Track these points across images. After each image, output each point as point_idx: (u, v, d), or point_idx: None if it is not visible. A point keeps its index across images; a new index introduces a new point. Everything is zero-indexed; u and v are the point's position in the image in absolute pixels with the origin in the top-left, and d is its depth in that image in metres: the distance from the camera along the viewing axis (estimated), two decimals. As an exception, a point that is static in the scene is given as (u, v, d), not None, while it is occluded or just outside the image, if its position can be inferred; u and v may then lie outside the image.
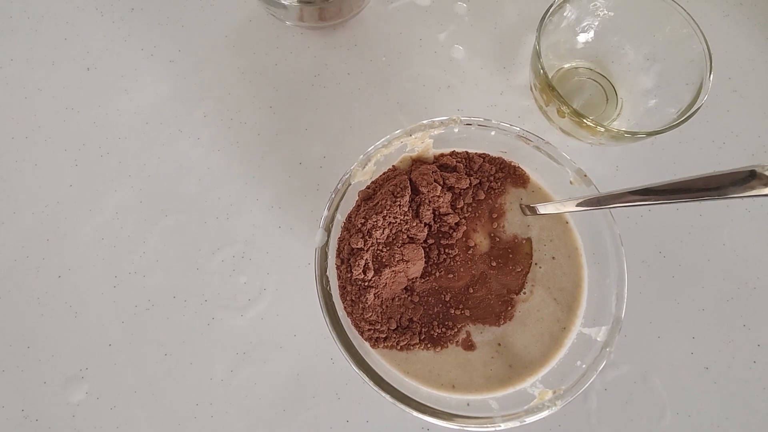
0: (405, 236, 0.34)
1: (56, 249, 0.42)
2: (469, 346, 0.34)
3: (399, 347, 0.33)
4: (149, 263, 0.42)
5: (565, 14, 0.41)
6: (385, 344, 0.33)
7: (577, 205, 0.31)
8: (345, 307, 0.33)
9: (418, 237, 0.35)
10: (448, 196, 0.36)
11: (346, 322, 0.32)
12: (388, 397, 0.30)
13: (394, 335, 0.33)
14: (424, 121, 0.34)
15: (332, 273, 0.33)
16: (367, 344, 0.33)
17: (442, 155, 0.37)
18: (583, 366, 0.31)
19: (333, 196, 0.33)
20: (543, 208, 0.35)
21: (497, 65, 0.47)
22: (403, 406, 0.29)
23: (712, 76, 0.38)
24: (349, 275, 0.33)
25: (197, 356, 0.40)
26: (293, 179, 0.44)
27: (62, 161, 0.44)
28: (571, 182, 0.35)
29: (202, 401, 0.39)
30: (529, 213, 0.36)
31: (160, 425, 0.38)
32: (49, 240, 0.42)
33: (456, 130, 0.35)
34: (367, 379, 0.30)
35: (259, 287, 0.41)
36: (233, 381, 0.39)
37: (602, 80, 0.45)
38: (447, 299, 0.34)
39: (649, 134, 0.38)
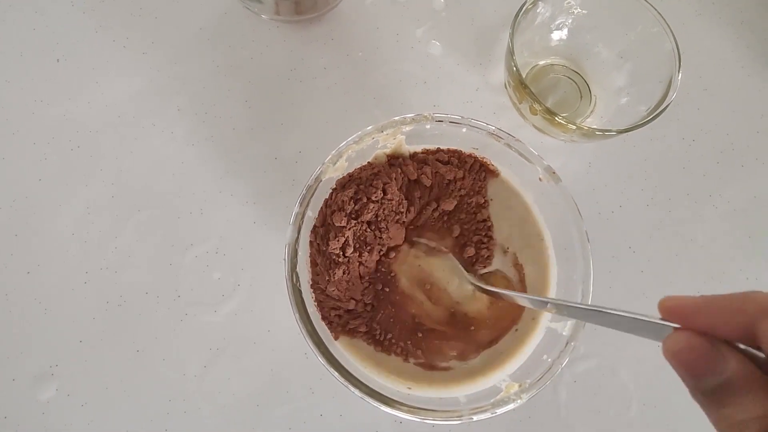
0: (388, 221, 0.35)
1: (25, 244, 0.41)
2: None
3: (371, 341, 0.34)
4: (121, 259, 0.41)
5: (538, 11, 0.41)
6: (355, 334, 0.34)
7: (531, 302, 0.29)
8: (312, 277, 0.34)
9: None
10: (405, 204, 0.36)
11: (315, 318, 0.32)
12: (356, 391, 0.30)
13: (360, 319, 0.34)
14: (396, 118, 0.35)
15: (302, 268, 0.33)
16: (335, 344, 0.34)
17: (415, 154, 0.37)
18: (549, 360, 0.32)
19: (304, 192, 0.33)
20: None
21: (474, 62, 0.47)
22: (371, 400, 0.30)
23: (681, 74, 0.39)
24: (324, 248, 0.33)
25: (170, 352, 0.40)
26: (268, 174, 0.43)
27: (31, 155, 0.43)
28: (540, 179, 0.35)
29: (175, 397, 0.39)
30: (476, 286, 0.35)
31: (132, 422, 0.38)
32: (17, 235, 0.41)
33: (428, 126, 0.35)
34: (336, 374, 0.30)
35: (233, 283, 0.41)
36: (207, 377, 0.39)
37: (576, 77, 0.46)
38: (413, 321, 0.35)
39: (620, 132, 0.38)
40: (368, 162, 0.37)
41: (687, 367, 0.18)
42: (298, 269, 0.32)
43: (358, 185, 0.35)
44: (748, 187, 0.45)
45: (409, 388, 0.33)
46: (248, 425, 0.39)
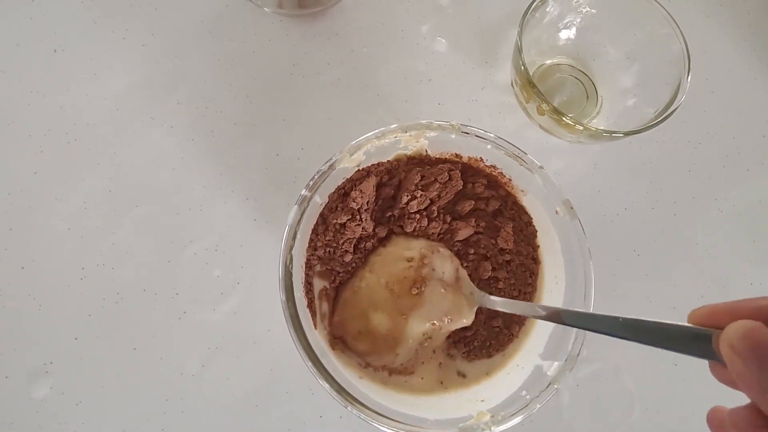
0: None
1: (20, 239, 0.40)
2: None
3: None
4: (119, 255, 0.40)
5: (547, 10, 0.41)
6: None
7: (534, 316, 0.29)
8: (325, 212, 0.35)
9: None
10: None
11: (301, 303, 0.32)
12: (323, 383, 0.30)
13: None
14: (422, 121, 0.34)
15: (297, 253, 0.32)
16: (318, 336, 0.33)
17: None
18: (528, 396, 0.31)
19: (316, 177, 0.33)
20: (502, 305, 0.32)
21: (479, 60, 0.46)
22: (335, 394, 0.30)
23: (690, 77, 0.38)
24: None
25: (168, 351, 0.39)
26: (270, 171, 0.43)
27: (27, 147, 0.42)
28: (557, 212, 0.34)
29: (173, 396, 0.38)
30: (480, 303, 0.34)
31: (128, 421, 0.38)
32: (12, 229, 0.40)
33: (453, 136, 0.34)
34: (309, 364, 0.30)
35: (232, 281, 0.40)
36: (205, 376, 0.39)
37: (583, 77, 0.45)
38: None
39: (627, 134, 0.38)
40: (388, 160, 0.37)
41: (756, 353, 0.18)
42: (293, 252, 0.32)
43: (424, 165, 0.37)
44: (753, 191, 0.45)
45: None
46: (247, 425, 0.38)
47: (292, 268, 0.32)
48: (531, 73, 0.38)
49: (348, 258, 0.35)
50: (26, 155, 0.42)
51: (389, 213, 0.36)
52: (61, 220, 0.41)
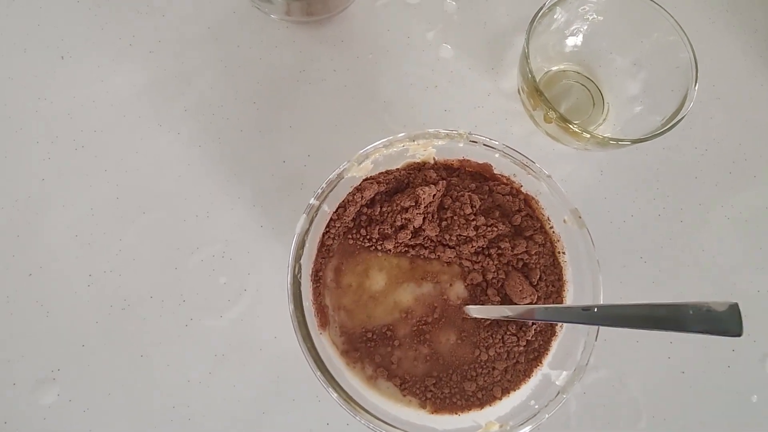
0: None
1: (27, 246, 0.40)
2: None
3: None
4: (125, 262, 0.40)
5: (554, 17, 0.41)
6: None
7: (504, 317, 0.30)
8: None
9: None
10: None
11: (309, 312, 0.32)
12: (331, 392, 0.30)
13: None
14: (430, 130, 0.34)
15: (306, 261, 0.32)
16: (327, 345, 0.33)
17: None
18: (536, 406, 0.31)
19: (324, 186, 0.33)
20: (479, 312, 0.33)
21: (485, 66, 0.46)
22: (342, 403, 0.30)
23: (697, 85, 0.38)
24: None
25: (174, 358, 0.39)
26: (276, 177, 0.43)
27: (34, 154, 0.42)
28: (564, 221, 0.34)
29: (179, 404, 0.38)
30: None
31: (134, 429, 0.38)
32: (19, 236, 0.40)
33: (460, 144, 0.34)
34: (318, 374, 0.31)
35: (239, 288, 0.40)
36: (211, 383, 0.39)
37: (590, 84, 0.45)
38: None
39: (634, 141, 0.38)
40: (397, 168, 0.37)
41: None
42: (302, 261, 0.32)
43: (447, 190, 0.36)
44: (759, 197, 0.45)
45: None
46: (253, 433, 0.38)
47: (300, 277, 0.32)
48: (537, 80, 0.38)
49: (390, 245, 0.35)
50: (33, 162, 0.42)
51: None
52: (68, 226, 0.41)
